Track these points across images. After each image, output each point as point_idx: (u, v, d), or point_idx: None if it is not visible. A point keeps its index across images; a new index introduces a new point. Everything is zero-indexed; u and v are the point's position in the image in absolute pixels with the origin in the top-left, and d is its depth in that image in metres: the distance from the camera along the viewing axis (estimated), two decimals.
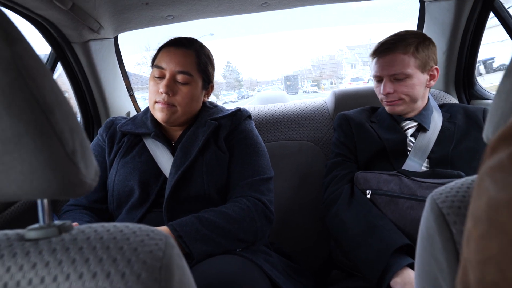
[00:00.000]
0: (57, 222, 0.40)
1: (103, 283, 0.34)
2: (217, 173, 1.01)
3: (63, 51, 1.38)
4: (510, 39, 1.32)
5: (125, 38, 1.69)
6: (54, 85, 0.35)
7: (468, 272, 0.25)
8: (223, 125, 1.08)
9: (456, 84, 1.60)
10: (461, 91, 1.61)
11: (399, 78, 1.10)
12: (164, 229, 0.86)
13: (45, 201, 0.40)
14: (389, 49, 1.11)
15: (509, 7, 1.36)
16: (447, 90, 1.61)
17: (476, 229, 0.26)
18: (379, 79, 1.16)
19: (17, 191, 0.35)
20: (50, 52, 1.37)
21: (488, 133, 0.42)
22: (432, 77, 1.15)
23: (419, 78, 1.12)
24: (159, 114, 1.03)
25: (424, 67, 1.12)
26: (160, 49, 1.07)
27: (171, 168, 1.00)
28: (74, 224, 0.83)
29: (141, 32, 1.60)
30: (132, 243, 0.37)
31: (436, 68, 1.15)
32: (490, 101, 1.48)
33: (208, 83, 1.11)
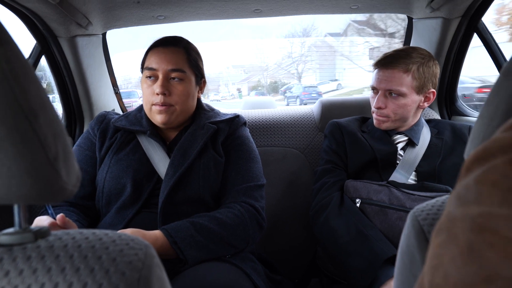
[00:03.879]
0: (33, 227, 0.39)
1: None
2: (213, 177, 1.01)
3: (48, 45, 1.34)
4: (492, 61, 1.37)
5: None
6: (40, 89, 0.34)
7: (424, 276, 0.28)
8: (221, 130, 1.08)
9: (439, 100, 1.65)
10: (443, 107, 1.66)
11: (393, 94, 1.11)
12: (156, 233, 0.84)
13: (21, 205, 0.39)
14: (391, 64, 1.11)
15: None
16: (430, 106, 1.66)
17: (436, 238, 0.28)
18: (375, 90, 1.17)
19: None
20: (35, 46, 1.34)
21: (470, 154, 0.44)
22: (427, 99, 1.15)
23: (413, 99, 1.12)
24: (158, 117, 1.01)
25: (420, 89, 1.11)
26: (147, 52, 1.06)
27: (168, 169, 0.98)
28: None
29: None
30: (111, 252, 0.36)
31: (433, 92, 1.14)
32: (470, 118, 1.53)
33: (200, 78, 1.10)
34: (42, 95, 0.34)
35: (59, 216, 0.81)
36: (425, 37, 1.52)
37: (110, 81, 1.66)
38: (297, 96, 11.17)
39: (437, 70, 1.13)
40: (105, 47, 1.58)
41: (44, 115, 0.34)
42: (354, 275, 0.96)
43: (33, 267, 0.35)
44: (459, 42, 1.48)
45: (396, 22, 11.77)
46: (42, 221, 0.81)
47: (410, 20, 1.60)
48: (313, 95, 10.62)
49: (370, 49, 13.23)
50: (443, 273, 0.25)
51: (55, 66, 1.41)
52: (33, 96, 0.33)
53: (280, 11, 1.45)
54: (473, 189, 0.27)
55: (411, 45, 1.62)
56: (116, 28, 1.49)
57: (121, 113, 1.63)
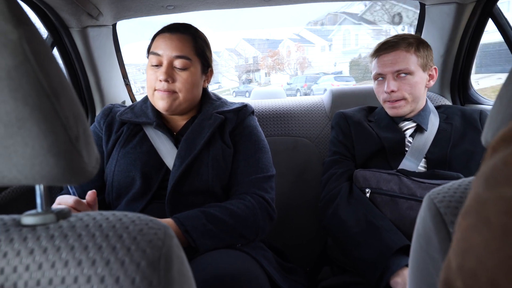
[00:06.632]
0: (54, 208, 0.40)
1: (102, 270, 0.34)
2: (222, 168, 1.00)
3: (60, 36, 1.35)
4: (507, 46, 1.34)
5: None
6: (59, 70, 0.35)
7: (451, 260, 0.27)
8: (229, 120, 1.06)
9: (452, 87, 1.62)
10: (455, 95, 1.63)
11: (402, 74, 1.12)
12: (168, 221, 0.85)
13: (43, 186, 0.40)
14: (392, 47, 1.13)
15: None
16: (442, 93, 1.63)
17: (464, 220, 0.27)
18: (381, 77, 1.16)
19: (17, 175, 0.34)
20: (47, 37, 1.35)
21: (488, 137, 0.43)
22: (431, 77, 1.17)
23: (421, 77, 1.14)
24: (160, 103, 0.99)
25: (425, 66, 1.14)
26: (154, 37, 1.04)
27: (175, 159, 0.97)
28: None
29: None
30: (132, 232, 0.37)
31: (435, 68, 1.17)
32: (483, 106, 1.50)
33: (207, 67, 1.08)
34: (62, 76, 0.35)
35: (90, 192, 0.83)
36: (438, 23, 1.49)
37: (120, 72, 1.67)
38: None
39: (431, 50, 1.17)
40: (115, 38, 1.59)
41: (64, 96, 0.34)
42: (364, 266, 0.95)
43: (57, 245, 0.35)
44: (473, 27, 1.44)
45: (252, 52, 21.73)
46: (65, 199, 0.82)
47: (422, 6, 1.56)
48: None
49: (236, 66, 22.28)
50: (476, 257, 0.24)
51: (67, 58, 1.42)
52: (54, 76, 0.33)
53: None
54: (502, 170, 0.27)
55: (423, 32, 1.59)
56: (126, 18, 1.50)
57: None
